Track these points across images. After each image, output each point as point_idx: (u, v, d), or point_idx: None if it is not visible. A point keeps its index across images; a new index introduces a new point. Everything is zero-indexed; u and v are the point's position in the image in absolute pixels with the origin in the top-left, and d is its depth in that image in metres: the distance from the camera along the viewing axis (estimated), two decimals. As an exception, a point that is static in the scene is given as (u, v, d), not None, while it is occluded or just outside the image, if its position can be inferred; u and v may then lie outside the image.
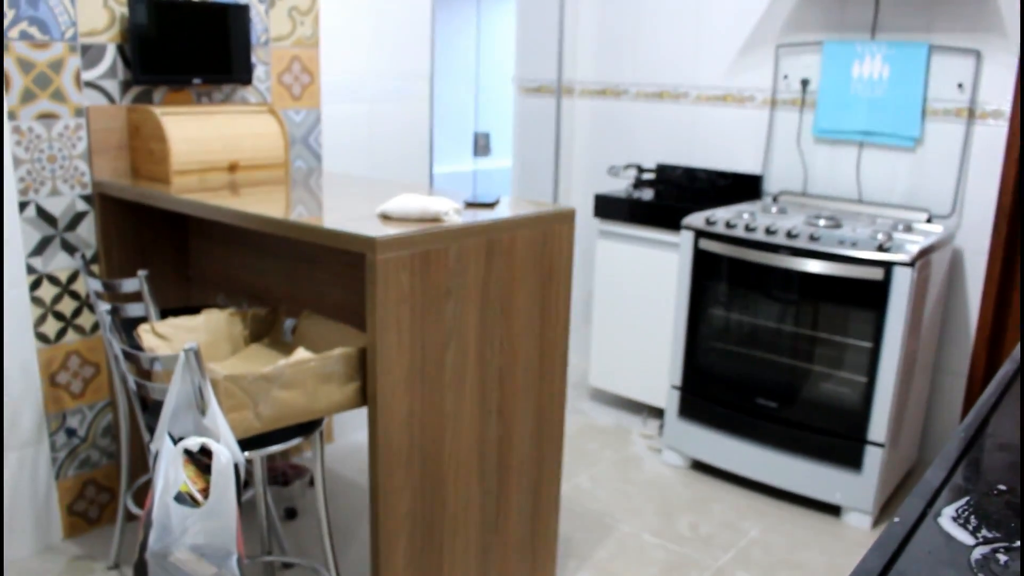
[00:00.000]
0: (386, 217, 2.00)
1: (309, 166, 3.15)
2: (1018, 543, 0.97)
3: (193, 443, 1.56)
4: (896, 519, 1.00)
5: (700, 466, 3.36)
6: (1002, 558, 0.94)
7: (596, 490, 3.17)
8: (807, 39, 3.41)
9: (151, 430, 1.84)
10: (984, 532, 0.99)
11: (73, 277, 2.60)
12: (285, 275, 2.61)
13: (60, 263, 2.57)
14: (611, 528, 2.91)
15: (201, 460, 1.64)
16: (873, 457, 2.86)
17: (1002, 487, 1.11)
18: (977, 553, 0.95)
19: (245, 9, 2.76)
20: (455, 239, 1.95)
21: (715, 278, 3.15)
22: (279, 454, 3.14)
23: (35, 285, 2.52)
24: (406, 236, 1.84)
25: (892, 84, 3.19)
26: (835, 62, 3.30)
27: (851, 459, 2.90)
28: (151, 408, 1.95)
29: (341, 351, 1.87)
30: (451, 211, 1.99)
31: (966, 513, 1.04)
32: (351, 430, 3.51)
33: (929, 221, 3.15)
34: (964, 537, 0.98)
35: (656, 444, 3.55)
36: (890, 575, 0.90)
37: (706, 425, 3.24)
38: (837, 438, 2.92)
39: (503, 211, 2.14)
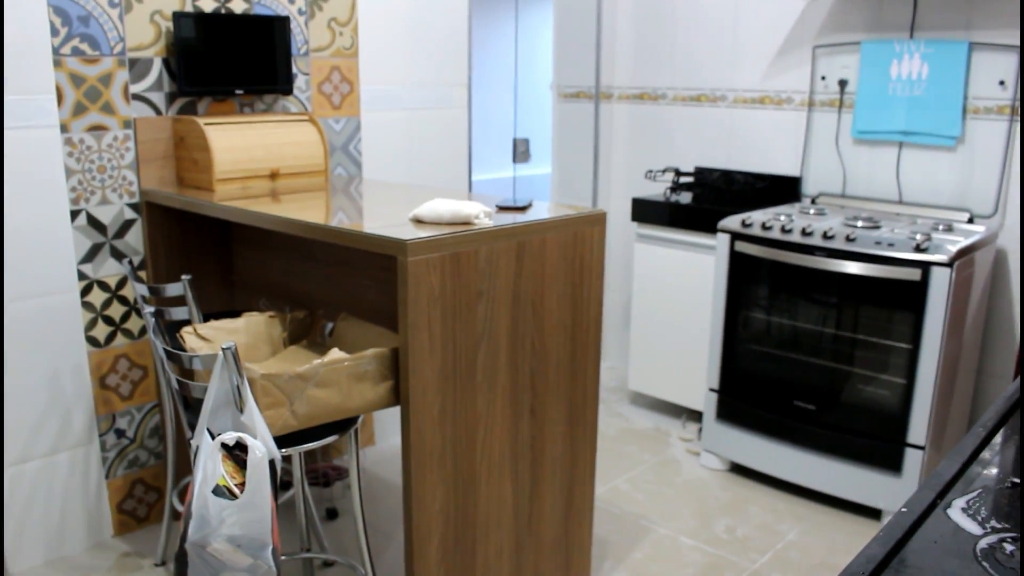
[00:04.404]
0: (419, 221, 2.05)
1: (350, 174, 3.22)
2: (1026, 533, 0.98)
3: (229, 437, 1.62)
4: (904, 509, 1.01)
5: (739, 469, 3.36)
6: (1008, 547, 0.95)
7: (634, 492, 3.18)
8: (844, 39, 3.39)
9: (192, 427, 1.91)
10: (993, 523, 1.00)
11: (122, 283, 2.70)
12: (324, 280, 2.68)
13: (109, 269, 2.66)
14: (648, 530, 2.92)
15: (239, 456, 1.70)
16: (913, 460, 2.83)
17: (1016, 480, 1.12)
18: (983, 543, 0.95)
19: (286, 21, 2.84)
20: (485, 241, 1.99)
21: (752, 281, 3.15)
22: (320, 456, 3.21)
23: (86, 291, 2.62)
24: (436, 239, 1.89)
25: (932, 83, 3.16)
26: (873, 62, 3.28)
27: (891, 462, 2.88)
28: (192, 406, 2.02)
29: (374, 351, 1.92)
30: (481, 214, 2.03)
31: (977, 504, 1.04)
32: (392, 434, 3.57)
33: (971, 221, 3.11)
34: (972, 527, 0.99)
35: (695, 447, 3.54)
36: (893, 563, 0.92)
37: (744, 428, 3.23)
38: (876, 441, 2.90)
39: (534, 214, 2.18)
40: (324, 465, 3.16)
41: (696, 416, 3.79)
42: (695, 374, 3.58)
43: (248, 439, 1.62)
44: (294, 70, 2.98)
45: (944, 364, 2.78)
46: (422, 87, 3.42)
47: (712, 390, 3.33)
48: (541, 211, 2.22)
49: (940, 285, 2.69)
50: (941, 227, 2.98)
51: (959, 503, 1.05)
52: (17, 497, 2.57)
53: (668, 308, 3.65)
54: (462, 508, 2.10)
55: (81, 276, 2.61)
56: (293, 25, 2.95)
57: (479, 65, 5.08)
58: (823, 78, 3.47)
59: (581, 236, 2.22)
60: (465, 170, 3.70)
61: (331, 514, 2.97)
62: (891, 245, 2.79)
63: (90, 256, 2.62)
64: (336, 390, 1.88)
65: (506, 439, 2.16)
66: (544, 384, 2.23)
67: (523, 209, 2.24)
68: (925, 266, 2.71)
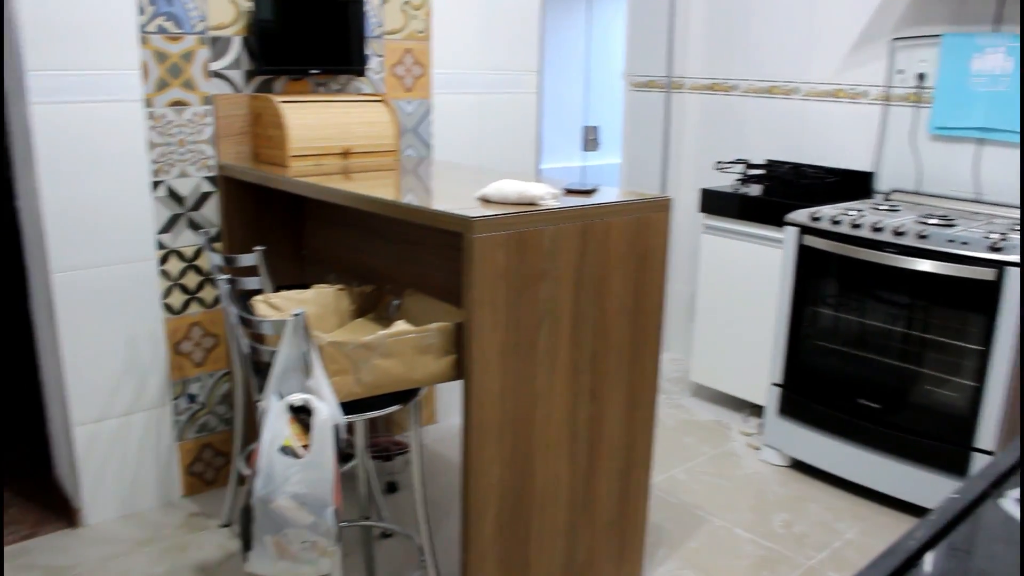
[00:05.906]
0: (486, 200, 2.09)
1: (420, 155, 3.28)
2: (1083, 523, 0.97)
3: (297, 398, 1.68)
4: (955, 495, 1.01)
5: (799, 465, 3.32)
6: (1062, 535, 0.94)
7: (691, 483, 3.18)
8: (924, 32, 3.32)
9: (262, 390, 1.98)
10: (1049, 512, 0.99)
11: (197, 254, 2.80)
12: (393, 256, 2.74)
13: (186, 240, 2.76)
14: (703, 520, 2.92)
15: (305, 419, 1.76)
16: (980, 465, 2.77)
17: (1076, 472, 1.10)
18: (1036, 529, 0.95)
19: (360, 3, 2.90)
20: (550, 222, 2.02)
21: (819, 275, 3.11)
22: (383, 429, 3.28)
23: (164, 260, 2.73)
24: (502, 217, 1.92)
25: (1016, 78, 3.07)
26: (954, 56, 3.20)
27: (956, 466, 2.82)
28: (262, 371, 2.09)
29: (438, 325, 1.97)
30: (547, 195, 2.06)
31: (1032, 494, 1.03)
32: (452, 414, 3.63)
33: (1051, 222, 3.02)
34: None
35: (755, 442, 3.52)
36: (939, 545, 0.92)
37: (806, 424, 3.20)
38: (942, 443, 2.84)
39: (599, 197, 2.19)
40: (386, 439, 3.23)
41: (758, 411, 3.77)
42: (758, 368, 3.55)
43: (315, 401, 1.67)
44: (367, 52, 3.04)
45: (1016, 368, 2.71)
46: (493, 72, 3.46)
47: (775, 385, 3.30)
48: (607, 195, 2.24)
49: (1015, 286, 2.63)
50: (1019, 227, 2.90)
51: (1013, 494, 1.04)
52: (95, 453, 2.69)
53: (733, 301, 3.63)
54: (518, 484, 2.13)
55: (160, 245, 2.71)
56: (368, 8, 3.01)
57: (551, 52, 5.10)
58: (900, 72, 3.40)
59: (646, 221, 2.23)
60: (533, 156, 3.72)
61: (391, 487, 3.04)
62: (965, 243, 2.73)
63: (168, 226, 2.72)
64: (400, 361, 1.93)
65: (564, 418, 2.19)
66: (604, 366, 2.25)
67: (589, 193, 2.25)
68: (1000, 266, 2.65)
